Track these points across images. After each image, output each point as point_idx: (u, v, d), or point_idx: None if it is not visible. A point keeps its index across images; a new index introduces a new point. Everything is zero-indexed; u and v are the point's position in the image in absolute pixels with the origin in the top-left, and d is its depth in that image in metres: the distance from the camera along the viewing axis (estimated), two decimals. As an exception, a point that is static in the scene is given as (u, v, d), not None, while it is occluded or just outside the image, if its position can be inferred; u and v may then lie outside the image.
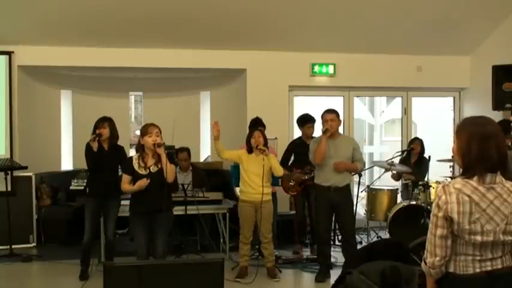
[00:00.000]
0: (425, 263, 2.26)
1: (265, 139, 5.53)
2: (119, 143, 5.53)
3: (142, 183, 4.52)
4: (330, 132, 5.27)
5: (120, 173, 5.43)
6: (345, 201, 5.41)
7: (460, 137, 2.25)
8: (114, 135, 5.42)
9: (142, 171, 4.58)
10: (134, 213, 4.71)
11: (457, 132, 2.28)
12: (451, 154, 6.56)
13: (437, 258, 2.21)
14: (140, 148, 4.65)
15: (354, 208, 5.96)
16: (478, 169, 2.18)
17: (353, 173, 5.84)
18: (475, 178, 2.18)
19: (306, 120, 6.59)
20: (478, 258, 2.19)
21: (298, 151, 6.52)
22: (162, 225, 4.66)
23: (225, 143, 8.03)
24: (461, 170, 2.28)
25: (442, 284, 2.27)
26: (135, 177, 4.59)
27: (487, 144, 2.17)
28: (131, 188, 4.61)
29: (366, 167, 8.19)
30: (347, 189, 5.48)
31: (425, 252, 2.26)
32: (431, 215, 2.26)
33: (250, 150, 5.51)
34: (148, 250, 4.69)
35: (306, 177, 6.24)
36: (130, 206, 4.78)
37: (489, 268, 2.19)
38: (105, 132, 5.31)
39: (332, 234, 6.35)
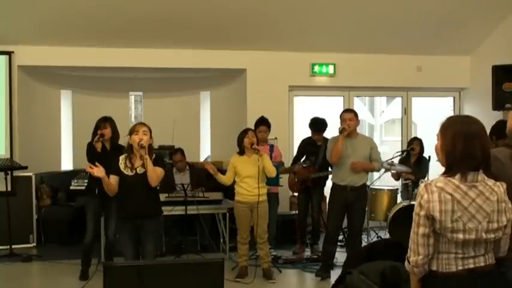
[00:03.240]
0: (409, 261, 2.27)
1: (257, 140, 5.53)
2: (119, 143, 5.53)
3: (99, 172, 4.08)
4: (347, 132, 5.28)
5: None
6: (359, 200, 5.43)
7: (445, 135, 2.26)
8: (115, 134, 5.43)
9: (128, 172, 4.27)
10: (119, 218, 4.44)
11: (441, 131, 2.29)
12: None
13: (420, 257, 2.21)
14: (129, 148, 4.35)
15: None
16: (462, 167, 2.18)
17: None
18: (457, 176, 2.19)
19: (313, 127, 6.56)
20: (461, 256, 2.20)
21: (309, 150, 6.54)
22: (149, 232, 4.29)
23: (224, 143, 8.08)
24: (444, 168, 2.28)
25: (425, 282, 2.28)
26: (121, 178, 4.27)
27: (471, 143, 2.18)
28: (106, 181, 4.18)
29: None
30: (363, 188, 5.50)
31: (409, 251, 2.27)
32: (413, 213, 2.26)
33: (242, 151, 5.49)
34: (137, 256, 4.37)
35: (304, 165, 6.25)
36: (116, 211, 4.52)
37: (471, 266, 2.20)
38: (108, 132, 5.33)
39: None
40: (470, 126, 2.22)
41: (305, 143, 6.72)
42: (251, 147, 5.36)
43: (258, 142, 5.55)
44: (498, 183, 2.24)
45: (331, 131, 5.92)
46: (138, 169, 4.28)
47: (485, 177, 2.22)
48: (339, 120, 5.48)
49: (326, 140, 6.44)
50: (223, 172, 5.61)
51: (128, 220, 4.30)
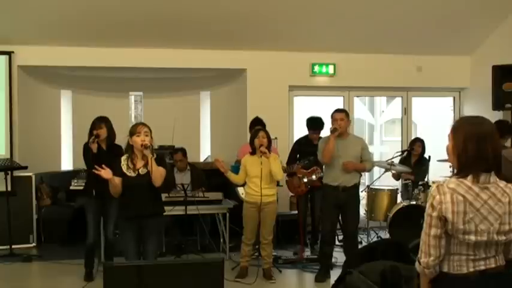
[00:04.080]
0: (420, 262, 2.26)
1: (269, 140, 5.51)
2: (119, 143, 5.51)
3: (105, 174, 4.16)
4: (338, 132, 5.27)
5: None
6: (351, 201, 5.40)
7: (456, 136, 2.24)
8: (111, 134, 5.40)
9: (131, 173, 4.27)
10: (122, 218, 4.42)
11: (453, 132, 2.27)
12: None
13: (432, 258, 2.21)
14: (129, 149, 4.35)
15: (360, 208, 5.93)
16: (474, 169, 2.17)
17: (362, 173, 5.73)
18: (469, 178, 2.18)
19: (311, 125, 6.56)
20: (472, 257, 2.20)
21: (304, 150, 6.52)
22: (152, 231, 4.34)
23: (225, 144, 8.09)
24: (455, 169, 2.27)
25: (436, 283, 2.27)
26: (124, 179, 4.28)
27: (483, 144, 2.17)
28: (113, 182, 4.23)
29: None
30: (355, 188, 5.48)
31: (420, 252, 2.26)
32: (425, 214, 2.26)
33: (253, 151, 5.49)
34: (139, 256, 4.39)
35: (314, 173, 6.27)
36: (118, 211, 4.52)
37: (482, 267, 2.20)
38: (103, 132, 5.29)
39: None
40: (481, 127, 2.21)
41: (301, 143, 6.69)
42: (259, 148, 5.36)
43: (270, 143, 5.54)
44: (510, 185, 2.23)
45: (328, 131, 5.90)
46: (140, 170, 4.29)
47: (497, 179, 2.21)
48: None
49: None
50: (222, 172, 5.59)
51: (131, 220, 4.32)
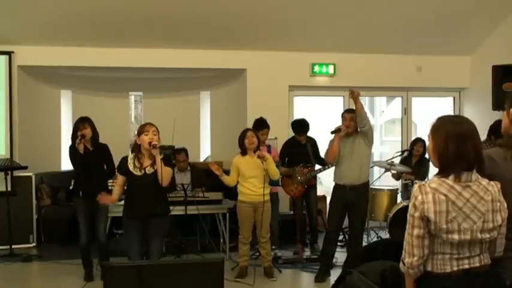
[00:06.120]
0: (404, 263, 2.26)
1: (258, 140, 5.53)
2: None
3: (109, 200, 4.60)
4: (343, 133, 5.27)
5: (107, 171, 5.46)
6: (359, 200, 5.35)
7: (437, 136, 2.24)
8: (95, 134, 5.41)
9: (138, 172, 4.32)
10: (127, 217, 4.45)
11: (432, 132, 2.27)
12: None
13: (415, 258, 2.21)
14: (136, 148, 4.40)
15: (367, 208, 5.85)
16: (455, 168, 2.17)
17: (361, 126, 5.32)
18: (451, 177, 2.18)
19: (299, 129, 6.64)
20: (456, 256, 2.20)
21: (292, 151, 6.57)
22: (157, 231, 4.39)
23: (225, 144, 8.09)
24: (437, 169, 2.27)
25: (420, 283, 2.27)
26: (130, 177, 4.35)
27: (464, 143, 2.17)
28: (115, 193, 4.51)
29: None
30: (364, 187, 5.43)
31: (403, 253, 2.26)
32: (408, 215, 2.25)
33: (244, 151, 5.49)
34: (142, 256, 4.44)
35: (309, 172, 6.31)
36: (123, 210, 4.51)
37: (467, 266, 2.20)
38: (88, 132, 5.30)
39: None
40: (461, 126, 2.21)
41: (290, 144, 6.75)
42: (254, 153, 5.38)
43: (260, 143, 5.56)
44: (492, 182, 2.24)
45: (325, 130, 5.91)
46: (147, 169, 4.33)
47: (479, 177, 2.21)
48: (338, 120, 5.49)
49: (309, 138, 6.64)
50: (225, 172, 5.61)
51: (136, 219, 4.35)
